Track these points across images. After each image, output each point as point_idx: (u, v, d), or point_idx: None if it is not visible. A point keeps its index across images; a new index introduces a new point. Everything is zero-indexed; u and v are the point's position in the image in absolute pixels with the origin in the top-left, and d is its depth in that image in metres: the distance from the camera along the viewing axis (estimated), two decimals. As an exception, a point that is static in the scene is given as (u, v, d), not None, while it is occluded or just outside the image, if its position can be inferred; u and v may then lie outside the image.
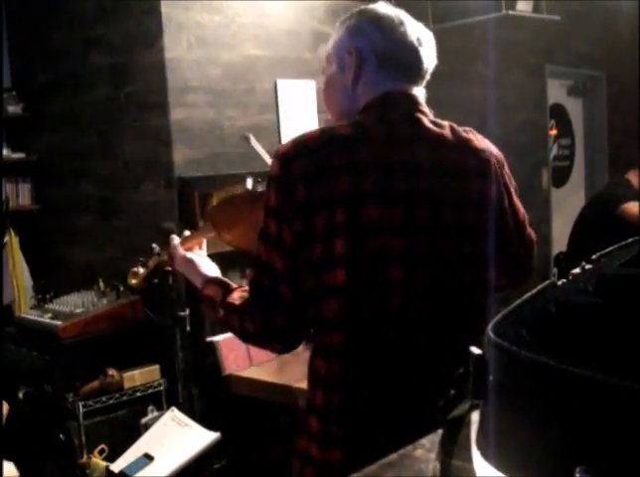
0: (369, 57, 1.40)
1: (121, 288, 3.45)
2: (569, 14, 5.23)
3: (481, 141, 1.45)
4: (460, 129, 1.43)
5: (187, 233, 1.73)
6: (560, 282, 0.62)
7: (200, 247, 1.71)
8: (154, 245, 1.90)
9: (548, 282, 0.62)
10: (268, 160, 1.71)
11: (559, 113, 6.16)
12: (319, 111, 4.05)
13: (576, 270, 0.63)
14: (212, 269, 1.60)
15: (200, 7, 3.54)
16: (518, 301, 0.59)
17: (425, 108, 1.41)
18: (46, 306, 3.56)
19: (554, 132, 6.08)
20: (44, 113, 4.23)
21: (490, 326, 0.53)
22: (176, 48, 3.46)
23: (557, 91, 6.05)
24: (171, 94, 3.45)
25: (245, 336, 1.42)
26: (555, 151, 6.15)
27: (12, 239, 4.08)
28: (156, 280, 1.94)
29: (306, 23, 4.01)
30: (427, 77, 1.44)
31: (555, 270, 0.63)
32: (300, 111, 3.96)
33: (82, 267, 3.99)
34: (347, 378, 1.33)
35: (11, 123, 4.22)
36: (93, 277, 3.66)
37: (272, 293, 1.33)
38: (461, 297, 1.38)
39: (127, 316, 3.40)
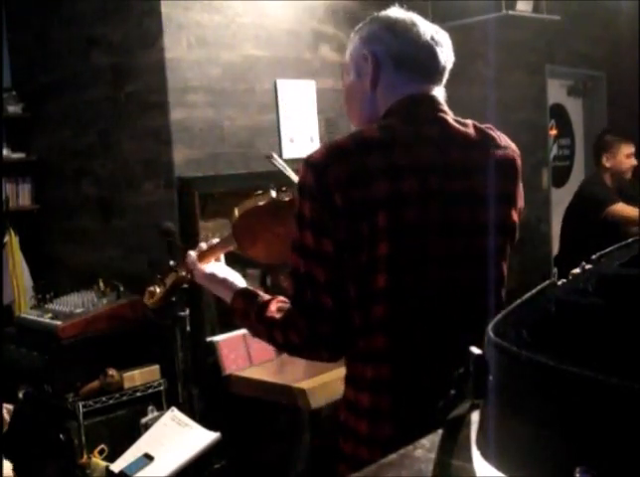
0: (384, 60, 1.40)
1: (121, 288, 3.45)
2: (569, 14, 5.22)
3: (502, 138, 1.46)
4: (483, 127, 1.44)
5: (204, 245, 1.64)
6: (560, 282, 0.61)
7: (218, 259, 1.64)
8: (171, 262, 1.78)
9: (548, 282, 0.62)
10: (294, 177, 1.62)
11: (559, 113, 6.15)
12: (319, 111, 4.05)
13: (576, 270, 0.63)
14: (237, 280, 1.56)
15: (200, 7, 3.54)
16: (518, 301, 0.59)
17: (446, 108, 1.42)
18: (46, 306, 3.55)
19: (554, 132, 6.07)
20: (44, 113, 4.22)
21: (490, 326, 0.53)
22: (176, 48, 3.46)
23: (557, 91, 6.04)
24: (171, 94, 3.44)
25: (291, 348, 1.40)
26: (555, 151, 6.14)
27: (12, 239, 4.08)
28: (174, 298, 1.86)
29: (306, 23, 4.01)
30: (446, 75, 1.45)
31: (555, 270, 0.63)
32: (300, 111, 3.96)
33: (82, 267, 3.99)
34: (395, 380, 1.33)
35: (11, 123, 4.22)
36: (93, 277, 3.66)
37: (316, 304, 1.32)
38: (490, 293, 1.39)
39: (127, 316, 3.39)
